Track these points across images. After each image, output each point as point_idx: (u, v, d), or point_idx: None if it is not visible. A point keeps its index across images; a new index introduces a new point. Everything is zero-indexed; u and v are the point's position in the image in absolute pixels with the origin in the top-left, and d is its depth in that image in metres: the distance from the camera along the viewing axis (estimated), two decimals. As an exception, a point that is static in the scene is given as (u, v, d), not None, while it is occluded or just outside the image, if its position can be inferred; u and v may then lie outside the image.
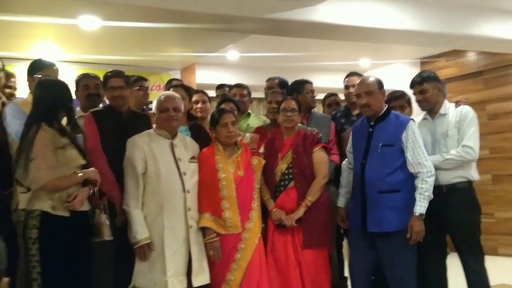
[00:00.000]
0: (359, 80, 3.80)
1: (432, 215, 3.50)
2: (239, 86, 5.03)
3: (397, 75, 8.10)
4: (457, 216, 3.71)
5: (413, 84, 3.96)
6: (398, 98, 4.10)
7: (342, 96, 5.13)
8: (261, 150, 3.88)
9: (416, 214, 3.42)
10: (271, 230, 3.71)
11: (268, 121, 4.60)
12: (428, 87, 3.87)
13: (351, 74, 4.78)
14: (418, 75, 3.97)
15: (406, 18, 5.62)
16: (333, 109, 5.08)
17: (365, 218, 3.58)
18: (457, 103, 3.90)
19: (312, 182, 3.70)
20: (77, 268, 3.06)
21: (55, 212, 3.05)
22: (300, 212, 3.64)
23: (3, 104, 3.87)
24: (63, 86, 3.26)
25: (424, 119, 3.96)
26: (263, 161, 3.75)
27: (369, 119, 3.71)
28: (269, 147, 3.86)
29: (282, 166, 3.75)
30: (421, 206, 3.43)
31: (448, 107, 3.89)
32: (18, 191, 3.39)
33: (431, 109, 3.91)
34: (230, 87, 5.19)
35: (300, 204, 3.65)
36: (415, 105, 4.13)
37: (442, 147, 3.78)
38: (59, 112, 3.19)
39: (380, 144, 3.59)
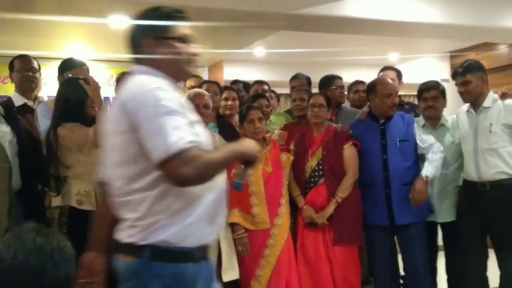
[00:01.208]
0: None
1: (474, 214, 3.47)
2: (260, 82, 5.02)
3: (426, 69, 8.00)
4: (502, 215, 3.55)
5: (455, 75, 3.77)
6: (431, 88, 3.90)
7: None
8: (291, 147, 3.87)
9: (423, 175, 3.56)
10: (301, 226, 3.71)
11: (289, 117, 4.60)
12: (472, 78, 3.65)
13: (385, 68, 4.75)
14: (461, 65, 3.76)
15: (435, 11, 5.54)
16: (359, 95, 4.99)
17: (391, 212, 3.62)
18: (504, 96, 3.66)
19: (343, 179, 3.69)
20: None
21: (81, 207, 3.13)
22: (331, 209, 3.63)
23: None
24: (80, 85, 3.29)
25: (467, 111, 3.76)
26: (292, 157, 3.75)
27: (376, 118, 3.81)
28: (299, 143, 3.85)
29: (312, 163, 3.73)
30: (428, 171, 3.57)
31: (492, 99, 3.66)
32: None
33: (474, 101, 3.70)
34: (244, 83, 5.20)
35: (330, 201, 3.65)
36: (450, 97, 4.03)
37: (484, 143, 3.59)
38: (81, 111, 3.22)
39: (398, 140, 3.70)
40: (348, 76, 5.78)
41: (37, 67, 3.99)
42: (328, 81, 4.67)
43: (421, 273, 3.68)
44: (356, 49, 7.22)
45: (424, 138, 3.71)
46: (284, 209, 3.61)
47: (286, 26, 5.44)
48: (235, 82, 5.41)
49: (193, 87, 4.75)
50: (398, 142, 3.71)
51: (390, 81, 3.94)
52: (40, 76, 4.11)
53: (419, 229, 3.70)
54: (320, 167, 3.71)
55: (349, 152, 3.73)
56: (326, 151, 3.71)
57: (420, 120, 3.92)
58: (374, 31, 5.72)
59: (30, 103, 3.87)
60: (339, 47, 7.03)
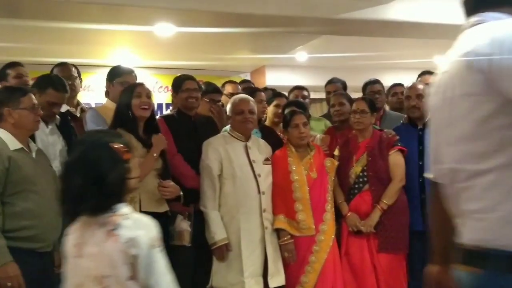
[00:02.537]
0: (409, 85, 3.95)
1: None
2: (299, 88, 5.02)
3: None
4: None
5: None
6: None
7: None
8: (336, 152, 3.85)
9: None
10: (345, 233, 3.69)
11: (328, 122, 4.57)
12: None
13: (424, 73, 4.68)
14: None
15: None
16: (398, 98, 4.93)
17: (426, 217, 3.56)
18: None
19: (388, 185, 3.65)
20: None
21: None
22: (376, 217, 3.59)
23: (82, 110, 4.04)
24: (128, 91, 3.32)
25: None
26: (336, 163, 3.73)
27: (415, 123, 3.83)
28: (344, 149, 3.83)
29: (356, 169, 3.71)
30: None
31: None
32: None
33: None
34: (274, 91, 5.18)
35: (375, 207, 3.61)
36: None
37: None
38: (127, 113, 3.23)
39: None
40: (391, 80, 5.71)
41: (76, 74, 4.06)
42: (366, 86, 4.67)
43: None
44: (400, 53, 7.15)
45: None
46: (329, 215, 3.60)
47: (329, 31, 5.43)
48: (265, 89, 5.42)
49: (231, 94, 4.80)
50: None
51: (419, 85, 3.93)
52: (81, 82, 4.20)
53: None
54: (365, 173, 3.68)
55: (395, 158, 3.69)
56: (371, 157, 3.68)
57: None
58: (420, 34, 5.65)
59: (72, 110, 3.95)
60: (383, 51, 6.98)
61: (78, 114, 4.02)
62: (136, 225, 1.83)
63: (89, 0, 4.01)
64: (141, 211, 3.13)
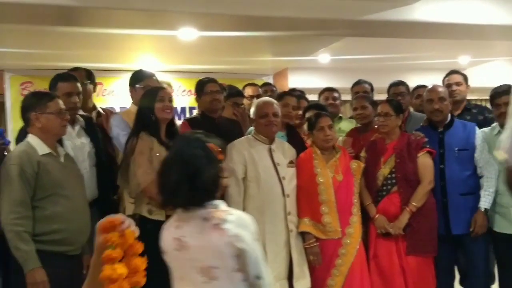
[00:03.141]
0: (430, 88, 3.89)
1: None
2: (329, 89, 4.99)
3: (498, 72, 7.71)
4: None
5: None
6: (503, 94, 3.66)
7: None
8: (362, 153, 3.82)
9: (482, 209, 3.59)
10: (373, 235, 3.66)
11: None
12: None
13: (451, 72, 4.61)
14: None
15: (505, 13, 5.33)
16: (421, 100, 4.86)
17: (447, 221, 3.63)
18: None
19: (417, 188, 3.60)
20: None
21: (152, 216, 3.18)
22: (405, 219, 3.55)
23: (99, 115, 4.06)
24: (150, 94, 3.34)
25: None
26: (363, 165, 3.70)
27: (435, 126, 3.80)
28: (371, 151, 3.79)
29: (384, 171, 3.67)
30: (485, 202, 3.61)
31: None
32: (125, 198, 3.55)
33: None
34: (301, 91, 5.15)
35: (404, 210, 3.57)
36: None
37: None
38: (150, 116, 3.25)
39: (456, 149, 3.70)
40: (416, 81, 5.65)
41: (87, 79, 4.07)
42: (389, 88, 4.64)
43: (481, 283, 3.64)
44: (424, 54, 7.08)
45: (483, 158, 3.67)
46: (355, 218, 3.57)
47: (353, 33, 5.39)
48: (293, 90, 5.38)
49: (251, 96, 4.79)
50: (456, 152, 3.71)
51: (440, 88, 3.88)
52: (95, 87, 4.22)
53: (478, 240, 3.64)
54: (393, 175, 3.64)
55: (424, 160, 3.64)
56: (399, 159, 3.64)
57: (496, 127, 3.78)
58: (445, 34, 5.57)
59: (86, 114, 3.97)
60: (406, 52, 6.92)
61: (94, 119, 4.06)
62: (240, 221, 1.96)
63: (114, 6, 4.04)
64: (154, 220, 3.16)
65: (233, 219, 1.95)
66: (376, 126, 3.84)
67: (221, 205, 2.02)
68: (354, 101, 4.35)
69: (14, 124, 6.12)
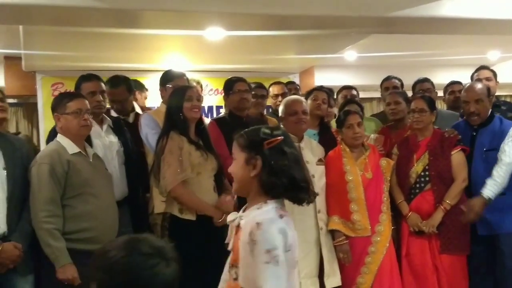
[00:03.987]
0: (467, 87, 3.80)
1: None
2: (347, 87, 4.98)
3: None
4: None
5: None
6: None
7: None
8: (394, 150, 3.80)
9: (484, 196, 3.45)
10: (406, 233, 3.64)
11: (378, 122, 4.52)
12: None
13: (481, 68, 4.56)
14: None
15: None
16: (455, 96, 4.83)
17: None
18: None
19: (451, 185, 3.58)
20: (210, 270, 3.01)
21: (182, 216, 3.20)
22: (439, 217, 3.53)
23: (137, 116, 4.13)
24: (179, 93, 3.36)
25: None
26: (392, 163, 3.68)
27: (470, 124, 3.75)
28: (403, 148, 3.77)
29: (417, 168, 3.65)
30: (489, 190, 3.45)
31: None
32: (154, 196, 3.60)
33: None
34: (329, 89, 5.14)
35: (438, 208, 3.55)
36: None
37: None
38: (179, 115, 3.27)
39: (484, 149, 3.64)
40: (443, 77, 5.61)
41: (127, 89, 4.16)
42: (415, 85, 4.60)
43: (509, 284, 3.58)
44: (452, 50, 7.00)
45: (506, 149, 3.55)
46: (385, 216, 3.56)
47: (380, 30, 5.35)
48: (320, 88, 5.37)
49: (277, 95, 4.80)
50: (484, 152, 3.64)
51: (477, 86, 3.79)
52: (135, 92, 4.29)
53: (506, 240, 3.59)
54: (426, 172, 3.62)
55: (458, 157, 3.62)
56: (432, 156, 3.62)
57: None
58: (474, 30, 5.49)
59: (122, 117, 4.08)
60: (434, 48, 6.85)
61: (131, 120, 4.12)
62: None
63: (143, 7, 4.08)
64: (185, 220, 3.19)
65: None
66: (409, 123, 3.81)
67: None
68: (387, 96, 4.33)
69: (46, 124, 6.22)
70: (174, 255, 1.42)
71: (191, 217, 3.20)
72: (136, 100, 4.63)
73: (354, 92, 4.88)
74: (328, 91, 4.56)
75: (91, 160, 3.10)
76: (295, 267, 1.91)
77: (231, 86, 3.92)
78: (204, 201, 3.21)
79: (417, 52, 6.87)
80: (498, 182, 3.47)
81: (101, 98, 3.48)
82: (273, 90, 4.97)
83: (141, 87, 4.81)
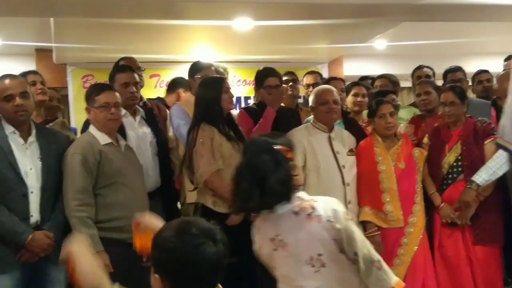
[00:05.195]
0: (500, 76, 3.74)
1: None
2: (383, 77, 4.91)
3: None
4: None
5: None
6: None
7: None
8: (425, 140, 3.74)
9: (472, 184, 3.36)
10: (438, 224, 3.59)
11: (417, 111, 4.43)
12: None
13: (510, 57, 4.46)
14: None
15: None
16: (483, 86, 4.74)
17: None
18: None
19: None
20: (242, 266, 2.97)
21: (215, 208, 3.21)
22: (473, 208, 3.47)
23: (145, 104, 4.12)
24: (214, 84, 3.38)
25: None
26: (426, 153, 3.63)
27: None
28: (435, 138, 3.71)
29: (450, 158, 3.58)
30: (480, 176, 3.34)
31: None
32: (186, 187, 3.61)
33: None
34: (373, 79, 5.10)
35: None
36: None
37: None
38: (218, 110, 3.29)
39: None
40: (474, 66, 5.49)
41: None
42: (446, 74, 4.54)
43: None
44: (484, 38, 6.85)
45: None
46: (418, 207, 3.51)
47: (410, 17, 5.27)
48: (364, 78, 5.32)
49: (309, 85, 4.76)
50: None
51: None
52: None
53: None
54: (459, 163, 3.55)
55: (491, 147, 3.51)
56: (465, 146, 3.55)
57: None
58: (505, 17, 5.37)
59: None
60: (465, 36, 6.70)
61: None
62: (328, 204, 2.04)
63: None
64: (217, 212, 3.19)
65: (322, 205, 2.03)
66: (441, 114, 3.75)
67: (304, 195, 2.09)
68: (417, 87, 4.26)
69: (76, 116, 6.29)
70: (222, 238, 1.55)
71: (223, 210, 3.19)
72: (179, 97, 4.59)
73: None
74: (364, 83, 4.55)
75: (122, 151, 3.12)
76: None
77: (262, 80, 3.87)
78: None
79: (448, 41, 6.74)
80: (490, 167, 3.37)
81: (135, 89, 3.50)
82: (306, 80, 4.94)
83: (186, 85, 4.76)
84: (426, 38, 6.63)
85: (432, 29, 6.31)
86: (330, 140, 3.54)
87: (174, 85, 4.68)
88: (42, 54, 6.66)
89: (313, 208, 2.02)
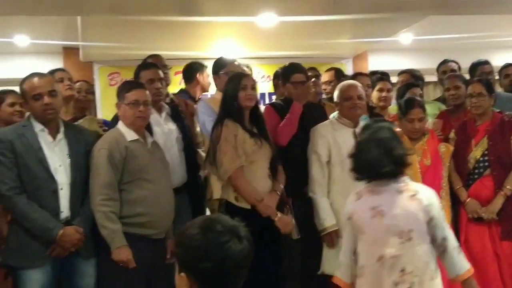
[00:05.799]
0: None
1: None
2: (405, 72, 4.86)
3: None
4: None
5: None
6: None
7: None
8: (451, 135, 3.70)
9: (504, 191, 3.41)
10: (464, 220, 3.56)
11: (442, 106, 4.39)
12: None
13: None
14: None
15: None
16: (510, 80, 4.65)
17: None
18: None
19: (511, 170, 3.46)
20: (265, 261, 3.08)
21: (238, 204, 3.23)
22: (499, 203, 3.43)
23: (172, 101, 4.16)
24: (234, 79, 3.36)
25: None
26: (452, 148, 3.59)
27: None
28: (461, 132, 3.67)
29: (476, 153, 3.55)
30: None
31: None
32: (212, 182, 3.63)
33: None
34: (383, 73, 5.04)
35: (498, 193, 3.45)
36: None
37: None
38: (234, 103, 3.27)
39: None
40: (501, 59, 5.41)
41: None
42: (475, 68, 4.48)
43: None
44: (511, 32, 6.74)
45: None
46: (444, 203, 3.44)
47: (436, 11, 5.21)
48: (373, 73, 5.27)
49: (327, 82, 4.73)
50: None
51: None
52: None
53: None
54: (486, 157, 3.51)
55: None
56: (492, 141, 3.51)
57: None
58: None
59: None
60: (492, 29, 6.61)
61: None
62: (429, 193, 2.44)
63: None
64: (240, 208, 3.21)
65: (424, 191, 2.44)
66: (468, 108, 3.70)
67: (409, 180, 2.48)
68: (446, 81, 4.21)
69: (103, 113, 6.36)
70: (247, 235, 1.56)
71: (246, 205, 3.22)
72: (198, 83, 4.59)
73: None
74: (384, 76, 4.50)
75: (149, 147, 3.15)
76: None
77: (288, 75, 3.84)
78: (256, 195, 3.22)
79: (474, 34, 6.65)
80: None
81: (160, 86, 3.52)
82: (325, 76, 4.92)
83: (200, 67, 4.72)
84: (452, 32, 6.55)
85: (458, 22, 6.23)
86: (355, 135, 3.52)
87: (190, 73, 4.58)
88: (69, 52, 6.77)
89: (416, 192, 2.41)
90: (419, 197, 2.40)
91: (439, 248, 2.42)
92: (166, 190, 3.15)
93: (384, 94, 4.18)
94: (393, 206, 2.39)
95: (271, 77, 7.03)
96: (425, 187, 2.50)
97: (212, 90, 4.38)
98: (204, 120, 3.70)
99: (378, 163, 2.39)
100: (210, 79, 4.40)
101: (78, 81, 4.25)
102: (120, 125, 3.13)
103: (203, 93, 4.56)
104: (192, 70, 4.60)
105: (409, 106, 3.57)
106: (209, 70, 4.17)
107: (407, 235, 2.37)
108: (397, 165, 2.40)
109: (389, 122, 2.80)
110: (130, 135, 3.08)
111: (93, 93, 5.56)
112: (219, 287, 1.52)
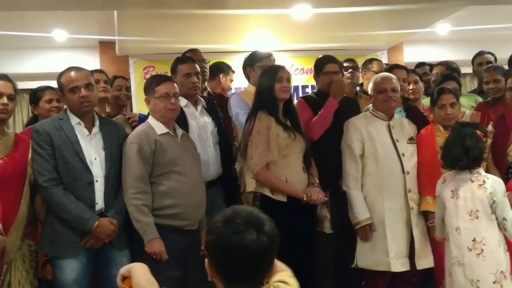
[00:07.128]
0: None
1: None
2: (441, 64, 4.76)
3: None
4: None
5: None
6: None
7: None
8: (490, 128, 3.62)
9: None
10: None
11: (479, 99, 4.30)
12: None
13: None
14: None
15: None
16: None
17: None
18: None
19: None
20: (299, 254, 3.07)
21: (274, 197, 3.22)
22: None
23: (209, 94, 4.16)
24: (269, 72, 3.36)
25: None
26: (490, 141, 3.51)
27: None
28: (499, 125, 3.59)
29: (516, 146, 3.49)
30: None
31: None
32: (245, 175, 3.64)
33: None
34: (431, 65, 4.95)
35: None
36: None
37: None
38: (270, 96, 3.27)
39: None
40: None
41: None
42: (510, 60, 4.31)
43: None
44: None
45: None
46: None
47: (474, 1, 5.09)
48: (421, 64, 5.18)
49: (375, 72, 4.68)
50: None
51: None
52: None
53: None
54: (525, 150, 3.44)
55: None
56: None
57: None
58: None
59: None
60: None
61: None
62: (494, 183, 2.97)
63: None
64: (277, 200, 3.20)
65: (490, 182, 2.96)
66: (508, 100, 3.61)
67: (482, 172, 3.04)
68: (484, 74, 4.10)
69: (138, 106, 6.43)
70: (270, 231, 1.58)
71: (282, 198, 3.21)
72: (220, 83, 4.68)
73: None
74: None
75: (179, 140, 3.17)
76: None
77: (321, 66, 3.81)
78: (288, 186, 3.22)
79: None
80: None
81: (196, 80, 3.54)
82: (373, 67, 4.84)
83: (227, 70, 4.83)
84: (490, 22, 6.38)
85: (497, 12, 6.07)
86: (389, 128, 3.49)
87: (215, 71, 4.67)
88: (106, 46, 6.88)
89: (484, 182, 2.96)
90: (485, 186, 2.94)
91: (500, 225, 2.95)
92: (197, 181, 3.17)
93: (411, 86, 4.08)
94: (465, 192, 2.99)
95: (305, 70, 7.05)
96: (493, 177, 3.04)
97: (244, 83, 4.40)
98: (237, 113, 3.72)
99: (458, 159, 3.00)
100: (233, 84, 4.57)
101: (115, 77, 4.29)
102: (150, 119, 3.17)
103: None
104: (217, 69, 4.72)
105: (439, 92, 3.54)
106: (240, 65, 4.16)
107: (475, 214, 2.95)
108: (472, 161, 3.00)
109: (474, 124, 3.28)
110: (160, 128, 3.11)
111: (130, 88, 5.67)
112: (233, 276, 1.57)
